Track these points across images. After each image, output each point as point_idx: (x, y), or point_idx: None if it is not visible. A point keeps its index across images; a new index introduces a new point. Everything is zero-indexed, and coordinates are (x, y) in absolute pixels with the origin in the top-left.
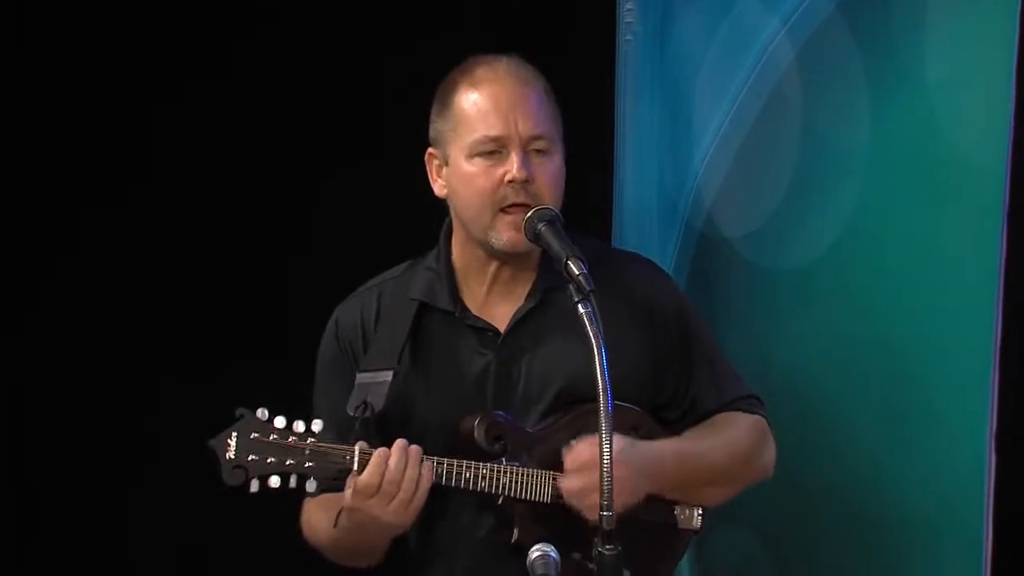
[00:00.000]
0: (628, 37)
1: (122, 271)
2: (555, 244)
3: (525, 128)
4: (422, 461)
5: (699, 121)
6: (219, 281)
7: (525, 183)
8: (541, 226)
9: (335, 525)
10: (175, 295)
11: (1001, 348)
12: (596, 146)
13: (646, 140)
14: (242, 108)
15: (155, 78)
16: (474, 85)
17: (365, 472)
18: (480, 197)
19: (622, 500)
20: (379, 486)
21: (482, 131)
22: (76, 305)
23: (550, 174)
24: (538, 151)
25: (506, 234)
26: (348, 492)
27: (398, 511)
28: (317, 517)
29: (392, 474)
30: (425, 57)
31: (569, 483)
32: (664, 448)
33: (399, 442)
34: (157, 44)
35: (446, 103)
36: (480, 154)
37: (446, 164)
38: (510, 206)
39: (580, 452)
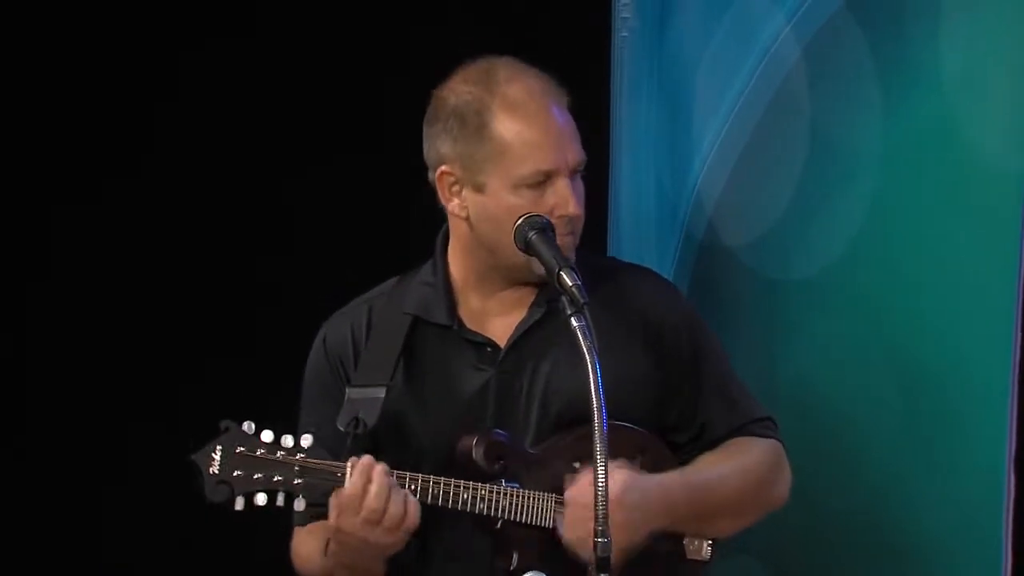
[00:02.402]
0: (624, 32)
1: (107, 275)
2: (546, 254)
3: (573, 158)
4: (407, 486)
5: (699, 122)
6: (208, 286)
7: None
8: (532, 234)
9: (325, 552)
10: (160, 300)
11: (1021, 358)
12: (590, 149)
13: (643, 142)
14: (234, 110)
15: (140, 79)
16: (513, 111)
17: (348, 483)
18: None
19: (628, 540)
20: (362, 498)
21: (533, 165)
22: (61, 307)
23: (582, 195)
24: (575, 174)
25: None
26: (333, 514)
27: (388, 533)
28: (308, 546)
29: (376, 489)
30: (419, 53)
31: (569, 530)
32: (672, 481)
33: (379, 467)
34: (144, 42)
35: (474, 126)
36: (529, 186)
37: (475, 190)
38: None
39: (578, 495)
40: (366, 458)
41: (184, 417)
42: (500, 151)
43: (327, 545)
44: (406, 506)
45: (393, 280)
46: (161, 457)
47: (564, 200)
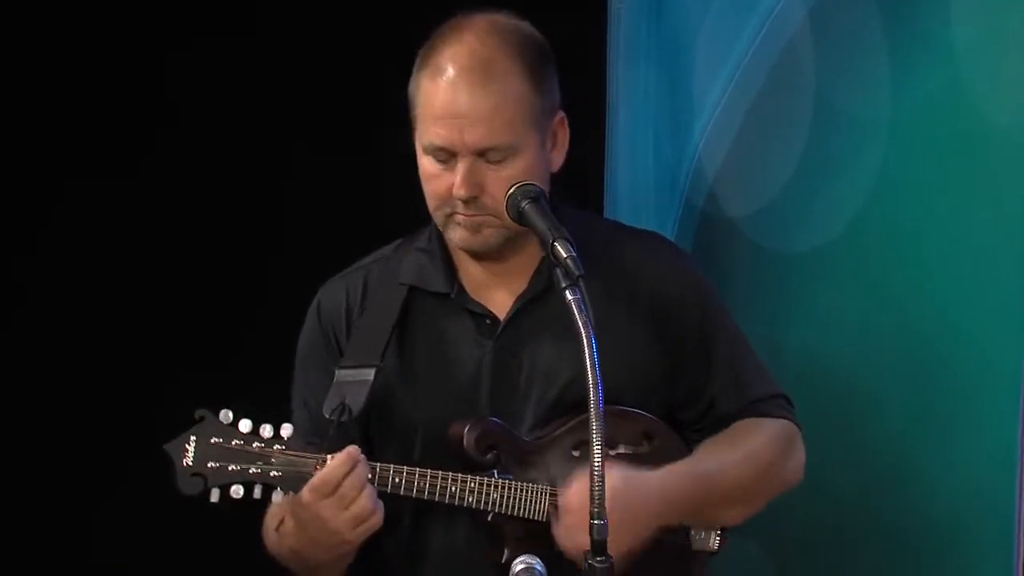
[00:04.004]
0: None
1: (91, 265)
2: (540, 224)
3: (473, 140)
4: (391, 479)
5: (700, 88)
6: (192, 275)
7: (472, 198)
8: (525, 204)
9: (277, 528)
10: (145, 289)
11: None
12: (586, 116)
13: (641, 109)
14: (224, 108)
15: (128, 77)
16: (434, 74)
17: (328, 467)
18: (432, 198)
19: (628, 541)
20: (338, 485)
21: (428, 137)
22: (49, 304)
23: (505, 183)
24: (491, 161)
25: (458, 235)
26: (305, 489)
27: (349, 523)
28: (270, 520)
29: (355, 479)
30: (409, 21)
31: (564, 538)
32: (674, 475)
33: (363, 459)
34: (134, 39)
35: (417, 76)
36: (433, 155)
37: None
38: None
39: (573, 501)
40: (353, 448)
41: (180, 413)
42: (418, 112)
43: (281, 522)
44: (376, 506)
45: (395, 243)
46: (150, 453)
47: (456, 181)
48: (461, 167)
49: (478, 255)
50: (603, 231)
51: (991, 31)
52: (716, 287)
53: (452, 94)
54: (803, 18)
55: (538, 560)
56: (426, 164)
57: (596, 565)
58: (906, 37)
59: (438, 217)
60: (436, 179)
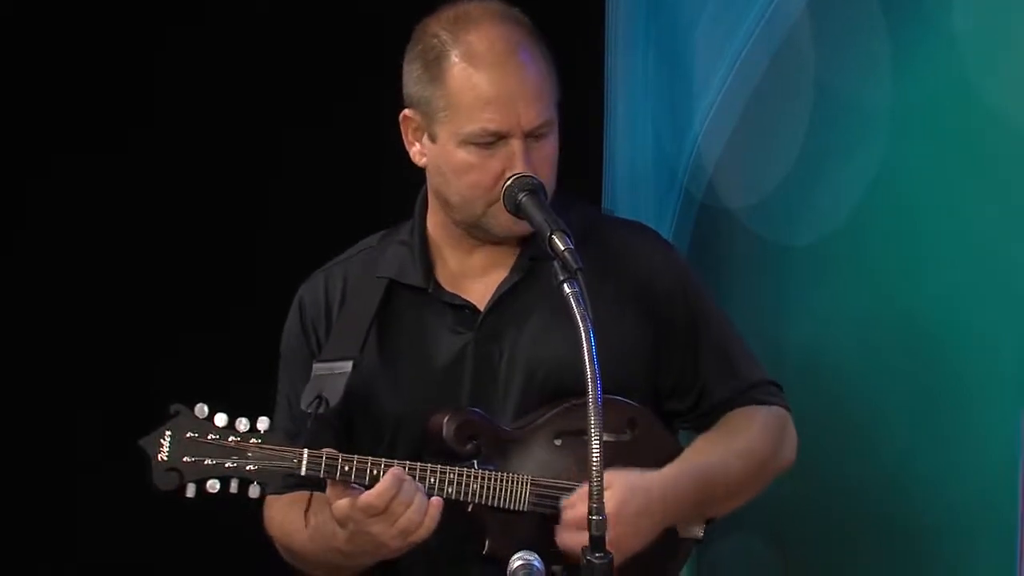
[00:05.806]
0: None
1: (65, 259)
2: (538, 216)
3: (528, 119)
4: (369, 471)
5: (700, 76)
6: (171, 267)
7: None
8: (522, 196)
9: (307, 525)
10: (122, 282)
11: None
12: (583, 104)
13: (640, 99)
14: (210, 85)
15: (109, 56)
16: (471, 62)
17: (376, 491)
18: (473, 189)
19: (634, 547)
20: (387, 507)
21: (481, 124)
22: (16, 292)
23: (548, 158)
24: (537, 136)
25: (502, 221)
26: (344, 502)
27: (396, 537)
28: (290, 517)
29: (404, 496)
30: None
31: (568, 539)
32: (674, 477)
33: (408, 479)
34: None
35: (434, 71)
36: (476, 144)
37: (430, 138)
38: None
39: (579, 510)
40: (398, 469)
41: (156, 408)
42: (452, 103)
43: (306, 515)
44: (423, 518)
45: (376, 236)
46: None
47: (512, 162)
48: (517, 147)
49: (500, 239)
50: (591, 220)
51: (994, 19)
52: (695, 273)
53: (502, 75)
54: (804, 6)
55: (536, 557)
56: (464, 156)
57: (595, 561)
58: (908, 25)
59: (475, 209)
60: (478, 169)
